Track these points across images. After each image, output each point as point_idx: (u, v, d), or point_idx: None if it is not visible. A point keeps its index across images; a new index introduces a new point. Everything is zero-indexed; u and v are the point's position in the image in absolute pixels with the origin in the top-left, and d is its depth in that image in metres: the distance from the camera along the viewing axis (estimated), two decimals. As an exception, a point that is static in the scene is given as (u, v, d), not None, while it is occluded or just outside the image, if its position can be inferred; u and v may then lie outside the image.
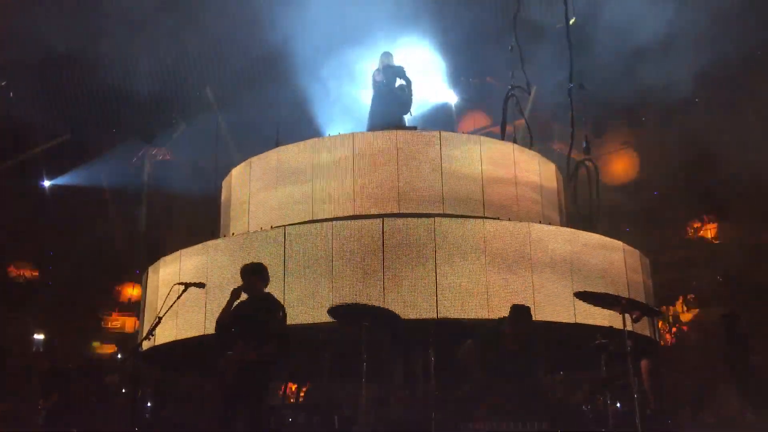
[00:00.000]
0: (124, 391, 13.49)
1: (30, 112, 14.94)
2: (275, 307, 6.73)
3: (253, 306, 6.73)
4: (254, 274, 6.86)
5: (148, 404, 11.99)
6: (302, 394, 13.30)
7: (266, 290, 6.95)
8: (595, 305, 7.13)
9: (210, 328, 8.68)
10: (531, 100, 13.80)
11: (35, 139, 16.76)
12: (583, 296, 6.91)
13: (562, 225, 10.84)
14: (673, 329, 15.41)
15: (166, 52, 13.76)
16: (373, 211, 9.35)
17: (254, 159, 10.79)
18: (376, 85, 11.54)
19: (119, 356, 16.41)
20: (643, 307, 7.04)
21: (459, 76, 14.29)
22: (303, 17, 12.81)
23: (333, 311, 7.07)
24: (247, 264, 7.07)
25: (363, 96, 11.99)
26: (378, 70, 11.56)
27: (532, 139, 11.71)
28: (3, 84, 15.10)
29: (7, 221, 16.43)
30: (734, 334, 9.31)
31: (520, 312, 7.18)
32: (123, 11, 12.88)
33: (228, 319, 6.67)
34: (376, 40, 12.53)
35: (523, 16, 12.18)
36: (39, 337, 17.62)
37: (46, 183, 17.65)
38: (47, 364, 10.42)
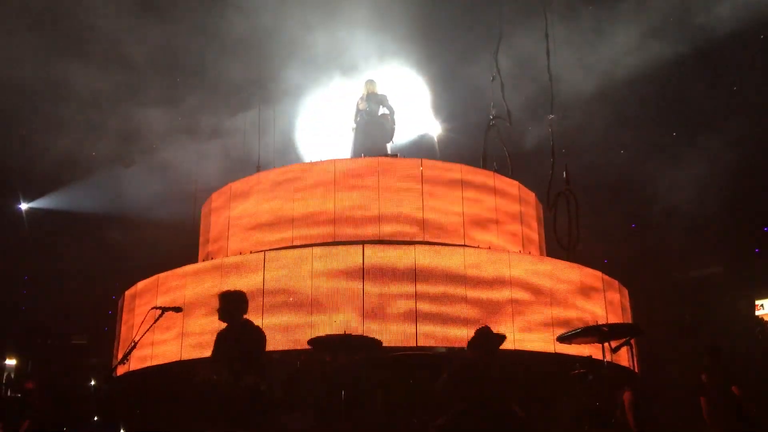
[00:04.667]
0: (96, 419, 13.21)
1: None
2: (256, 335, 6.62)
3: (233, 334, 6.61)
4: (233, 302, 6.72)
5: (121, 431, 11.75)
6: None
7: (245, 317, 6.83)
8: (578, 343, 7.13)
9: (186, 354, 8.58)
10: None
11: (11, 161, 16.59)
12: (565, 339, 6.93)
13: (541, 254, 10.90)
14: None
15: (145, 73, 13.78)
16: (354, 238, 9.33)
17: (234, 184, 10.76)
18: (360, 112, 11.58)
19: (92, 383, 16.09)
20: (624, 328, 7.05)
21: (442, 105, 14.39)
22: (289, 43, 12.90)
23: (313, 342, 7.00)
24: (227, 291, 6.95)
25: (346, 123, 12.03)
26: (362, 97, 11.60)
27: (512, 169, 11.79)
28: None
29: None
30: (719, 366, 9.31)
31: (480, 334, 7.15)
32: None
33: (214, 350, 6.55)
34: (361, 70, 12.64)
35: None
36: (10, 362, 17.27)
37: (23, 206, 17.44)
38: (30, 385, 10.11)
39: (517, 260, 9.07)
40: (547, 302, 8.91)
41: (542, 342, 8.67)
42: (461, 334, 8.22)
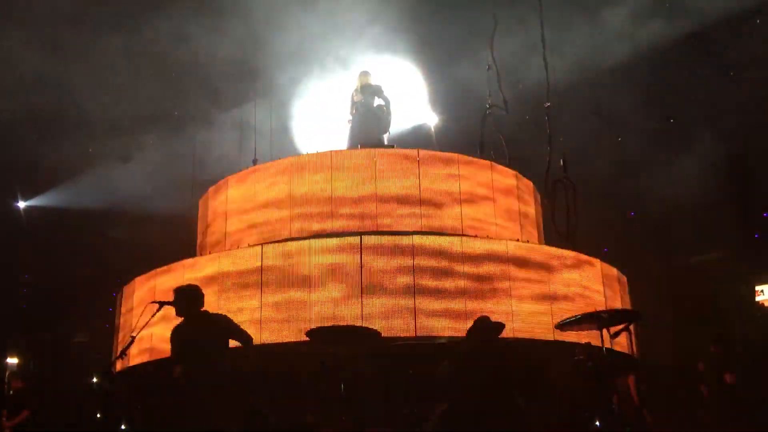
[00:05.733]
0: (99, 415, 13.22)
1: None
2: (221, 321, 6.46)
3: (189, 328, 6.39)
4: (188, 297, 6.44)
5: (123, 427, 11.76)
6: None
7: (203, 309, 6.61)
8: (577, 330, 7.12)
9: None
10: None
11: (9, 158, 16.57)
12: (563, 326, 6.91)
13: (539, 242, 10.87)
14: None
15: (142, 70, 13.76)
16: (351, 228, 9.31)
17: (231, 177, 10.74)
18: (355, 104, 11.52)
19: (94, 380, 16.10)
20: (623, 314, 7.04)
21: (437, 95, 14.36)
22: (283, 36, 12.86)
23: (311, 333, 6.98)
24: (181, 287, 6.67)
25: (342, 116, 11.99)
26: (356, 89, 11.54)
27: (509, 158, 11.75)
28: None
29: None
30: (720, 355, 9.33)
31: (478, 323, 7.14)
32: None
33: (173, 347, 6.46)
34: (356, 62, 12.59)
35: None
36: (12, 360, 17.30)
37: (21, 204, 17.43)
38: (18, 384, 10.13)
39: (514, 249, 9.08)
40: (545, 279, 8.93)
41: (542, 330, 8.66)
42: (459, 308, 8.27)
